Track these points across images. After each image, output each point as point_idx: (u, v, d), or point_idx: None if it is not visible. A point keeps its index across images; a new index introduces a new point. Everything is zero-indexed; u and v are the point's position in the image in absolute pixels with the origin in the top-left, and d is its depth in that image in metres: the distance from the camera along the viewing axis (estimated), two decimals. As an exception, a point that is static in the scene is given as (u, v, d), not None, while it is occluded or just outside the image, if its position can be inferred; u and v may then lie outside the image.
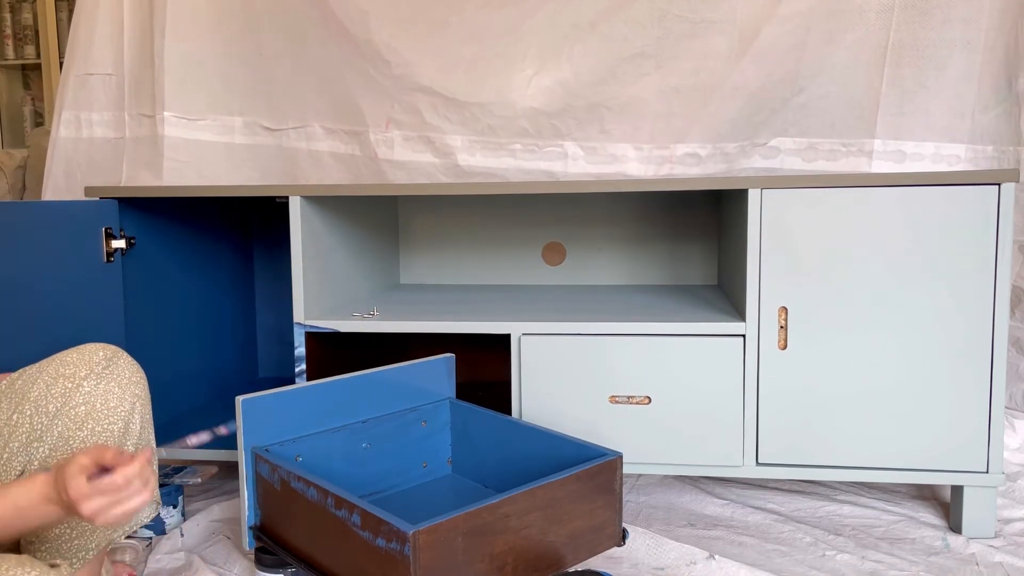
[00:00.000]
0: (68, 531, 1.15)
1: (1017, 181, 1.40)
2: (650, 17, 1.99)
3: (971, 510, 1.48)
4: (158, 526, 1.50)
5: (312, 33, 2.13)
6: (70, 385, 1.14)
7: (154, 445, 1.27)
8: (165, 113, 2.17)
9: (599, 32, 2.02)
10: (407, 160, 2.12)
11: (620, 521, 1.26)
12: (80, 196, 1.95)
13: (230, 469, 1.78)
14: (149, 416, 1.24)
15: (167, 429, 1.72)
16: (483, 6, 2.06)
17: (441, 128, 2.09)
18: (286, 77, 2.17)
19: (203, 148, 2.21)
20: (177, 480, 1.65)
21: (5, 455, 1.14)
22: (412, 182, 2.11)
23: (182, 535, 1.50)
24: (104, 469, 0.95)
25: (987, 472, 1.45)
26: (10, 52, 3.67)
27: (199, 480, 1.67)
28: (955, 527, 1.50)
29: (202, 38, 2.19)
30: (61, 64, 2.38)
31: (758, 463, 1.50)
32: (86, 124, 2.24)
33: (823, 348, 1.47)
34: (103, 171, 2.24)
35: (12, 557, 0.79)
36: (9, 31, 3.65)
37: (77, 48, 2.21)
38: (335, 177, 2.19)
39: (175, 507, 1.55)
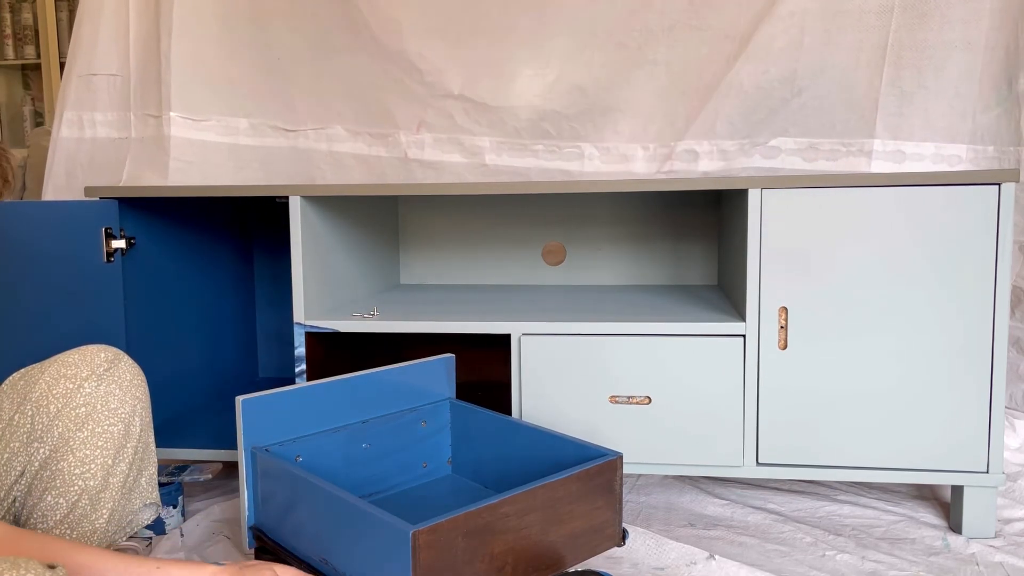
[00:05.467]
0: (68, 532, 1.15)
1: (1017, 181, 1.40)
2: (660, 26, 2.04)
3: (971, 510, 1.48)
4: (158, 526, 1.50)
5: (339, 40, 2.17)
6: (71, 386, 1.15)
7: (153, 448, 1.27)
8: (171, 113, 2.17)
9: (614, 40, 2.07)
10: (436, 160, 2.17)
11: (620, 521, 1.26)
12: (81, 196, 1.96)
13: (230, 469, 1.79)
14: (149, 419, 1.25)
15: (167, 429, 1.72)
16: (507, 12, 2.11)
17: (471, 130, 2.15)
18: (305, 80, 2.20)
19: (208, 149, 2.22)
20: (186, 478, 1.65)
21: (6, 455, 1.14)
22: (440, 181, 2.14)
23: (182, 535, 1.50)
24: None
25: (987, 472, 1.45)
26: (10, 52, 3.67)
27: (209, 476, 1.67)
28: (955, 527, 1.50)
29: (209, 39, 2.19)
30: (61, 64, 2.38)
31: (758, 463, 1.50)
32: (88, 124, 2.24)
33: (823, 348, 1.47)
34: (105, 171, 2.24)
35: (9, 558, 0.79)
36: (9, 31, 3.65)
37: (80, 48, 2.21)
38: (355, 177, 2.22)
39: (175, 507, 1.55)
